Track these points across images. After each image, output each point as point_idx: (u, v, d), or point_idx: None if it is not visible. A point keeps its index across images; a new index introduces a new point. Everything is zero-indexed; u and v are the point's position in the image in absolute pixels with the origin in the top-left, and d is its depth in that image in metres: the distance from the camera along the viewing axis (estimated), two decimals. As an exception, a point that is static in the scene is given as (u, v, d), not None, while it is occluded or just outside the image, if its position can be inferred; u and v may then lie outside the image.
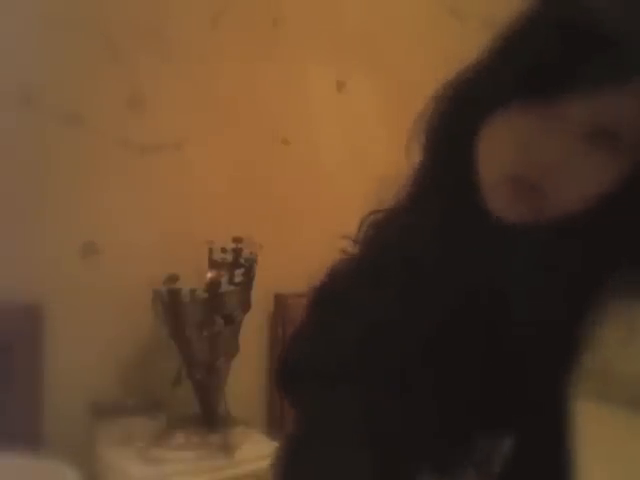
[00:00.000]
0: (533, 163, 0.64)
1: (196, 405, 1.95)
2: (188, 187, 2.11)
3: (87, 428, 1.98)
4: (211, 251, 1.95)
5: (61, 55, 1.97)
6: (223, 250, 1.95)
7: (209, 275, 1.89)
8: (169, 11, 2.09)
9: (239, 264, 1.95)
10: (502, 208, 0.67)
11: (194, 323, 1.87)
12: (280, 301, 2.23)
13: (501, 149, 0.67)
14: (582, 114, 0.62)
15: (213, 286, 1.88)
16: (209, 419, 1.95)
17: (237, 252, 1.96)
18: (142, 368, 2.07)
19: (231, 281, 1.92)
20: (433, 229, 0.75)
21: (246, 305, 1.95)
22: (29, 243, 1.94)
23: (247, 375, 2.17)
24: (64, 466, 1.69)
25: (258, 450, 1.87)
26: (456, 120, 0.72)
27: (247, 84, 2.19)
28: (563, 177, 0.64)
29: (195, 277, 1.89)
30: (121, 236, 2.04)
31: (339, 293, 0.85)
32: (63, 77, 1.97)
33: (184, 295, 1.87)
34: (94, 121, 2.00)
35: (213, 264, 1.94)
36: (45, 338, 1.93)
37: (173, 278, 1.89)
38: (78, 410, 1.99)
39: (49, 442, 1.90)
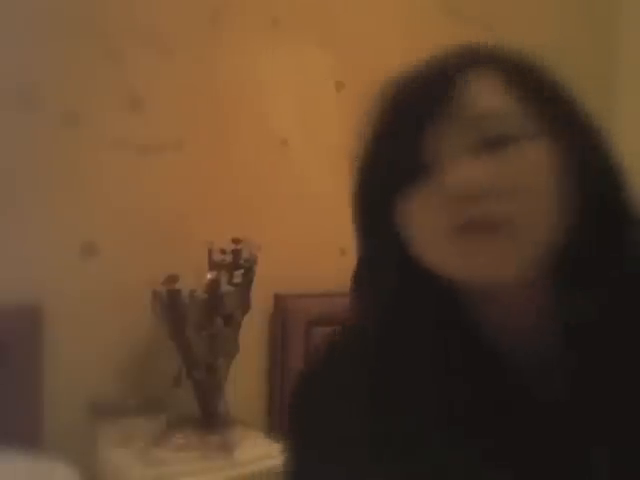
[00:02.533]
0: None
1: (196, 405, 1.95)
2: (187, 187, 2.11)
3: (87, 428, 1.98)
4: (211, 252, 1.96)
5: (60, 55, 1.97)
6: (222, 251, 1.95)
7: (209, 276, 1.89)
8: (168, 11, 2.09)
9: (239, 265, 1.95)
10: (470, 260, 0.67)
11: (194, 324, 1.88)
12: (280, 301, 2.24)
13: (426, 214, 0.68)
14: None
15: (213, 287, 1.88)
16: (209, 419, 1.95)
17: (237, 253, 1.96)
18: (142, 368, 2.07)
19: (231, 282, 1.92)
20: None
21: (246, 306, 1.95)
22: (29, 243, 1.94)
23: (247, 375, 2.17)
24: (64, 466, 1.69)
25: (258, 450, 1.87)
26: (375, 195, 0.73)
27: (246, 84, 2.20)
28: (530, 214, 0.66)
29: (195, 278, 1.89)
30: (120, 236, 2.04)
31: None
32: (62, 77, 1.97)
33: (184, 296, 1.87)
34: (93, 121, 2.00)
35: (213, 265, 1.94)
36: (45, 338, 1.93)
37: (173, 279, 1.89)
38: (78, 410, 1.99)
39: (49, 442, 1.90)
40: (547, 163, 0.67)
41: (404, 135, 0.70)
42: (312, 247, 2.28)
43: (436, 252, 0.69)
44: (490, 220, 0.65)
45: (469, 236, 0.66)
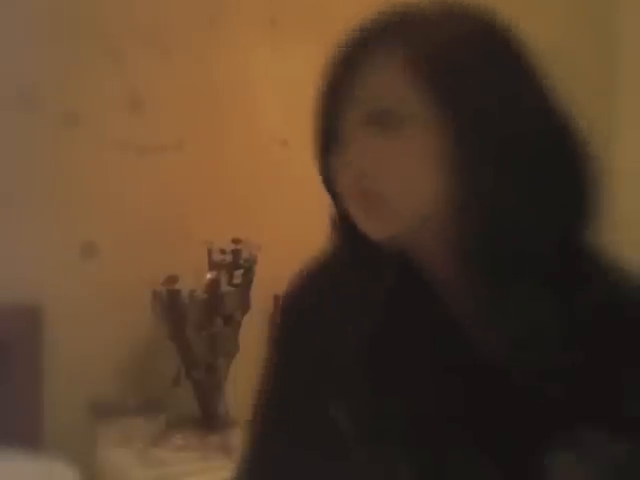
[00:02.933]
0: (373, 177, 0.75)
1: (196, 405, 1.96)
2: (187, 188, 2.11)
3: (87, 428, 1.98)
4: (210, 252, 1.96)
5: (60, 55, 1.97)
6: (222, 251, 1.96)
7: (208, 276, 1.89)
8: (168, 11, 2.09)
9: (238, 265, 1.95)
10: (361, 222, 0.78)
11: (193, 324, 1.88)
12: (279, 302, 2.23)
13: (339, 178, 0.78)
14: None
15: (213, 287, 1.88)
16: (208, 420, 1.95)
17: (236, 253, 1.96)
18: (141, 368, 2.07)
19: (230, 282, 1.92)
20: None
21: (245, 306, 1.95)
22: (29, 243, 1.95)
23: (247, 375, 2.17)
24: (64, 466, 1.69)
25: (257, 450, 1.87)
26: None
27: (246, 84, 2.20)
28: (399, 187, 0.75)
29: (194, 278, 1.89)
30: (120, 236, 2.04)
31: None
32: (62, 77, 1.97)
33: (184, 296, 1.88)
34: (93, 121, 2.00)
35: (212, 265, 1.94)
36: (45, 338, 1.94)
37: (172, 279, 1.89)
38: (78, 410, 1.99)
39: (49, 442, 1.90)
40: (424, 146, 0.73)
41: (321, 109, 0.79)
42: (312, 247, 2.28)
43: (348, 205, 0.79)
44: (367, 193, 0.75)
45: (357, 202, 0.77)
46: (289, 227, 2.26)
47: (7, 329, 1.86)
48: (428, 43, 0.74)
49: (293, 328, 0.94)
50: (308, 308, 0.92)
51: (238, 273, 1.94)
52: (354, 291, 0.83)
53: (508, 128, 0.72)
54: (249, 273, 1.96)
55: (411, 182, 0.74)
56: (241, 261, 1.96)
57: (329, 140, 0.79)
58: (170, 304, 1.88)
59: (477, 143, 0.72)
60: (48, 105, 1.96)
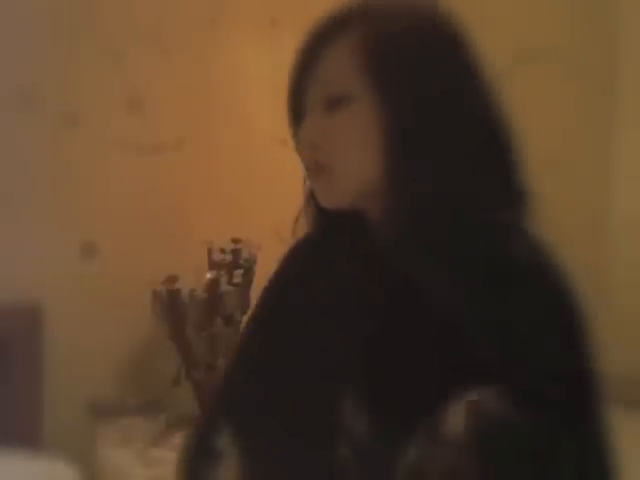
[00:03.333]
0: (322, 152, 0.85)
1: (195, 405, 1.96)
2: (187, 188, 2.11)
3: (86, 428, 1.98)
4: (210, 252, 1.96)
5: (60, 55, 1.97)
6: (222, 251, 1.96)
7: (208, 275, 1.90)
8: (168, 11, 2.09)
9: (238, 265, 1.96)
10: (315, 192, 0.91)
11: (193, 323, 1.88)
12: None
13: (299, 152, 0.89)
14: None
15: (212, 286, 1.88)
16: (208, 419, 1.95)
17: (236, 253, 1.96)
18: (141, 368, 2.07)
19: (230, 282, 1.92)
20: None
21: (245, 305, 1.95)
22: (29, 243, 1.95)
23: (246, 375, 2.17)
24: (64, 466, 1.69)
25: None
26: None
27: (246, 84, 2.20)
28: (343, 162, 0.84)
29: (194, 277, 1.89)
30: (120, 236, 2.04)
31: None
32: (62, 77, 1.97)
33: (184, 295, 1.88)
34: (93, 121, 2.00)
35: (212, 265, 1.94)
36: (44, 338, 1.94)
37: (172, 278, 1.89)
38: (77, 410, 1.99)
39: (49, 442, 1.90)
40: (364, 124, 0.82)
41: (290, 89, 0.89)
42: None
43: (307, 178, 0.91)
44: (318, 165, 0.85)
45: (310, 176, 0.89)
46: (289, 227, 2.26)
47: (7, 329, 1.87)
48: (375, 33, 0.83)
49: (281, 282, 1.05)
50: (293, 268, 1.05)
51: (238, 273, 1.94)
52: (325, 253, 0.97)
53: (442, 115, 0.82)
54: (249, 273, 1.96)
55: (355, 156, 0.84)
56: (241, 261, 1.96)
57: (298, 118, 0.89)
58: (170, 304, 1.88)
59: (410, 126, 0.81)
60: (48, 105, 1.96)
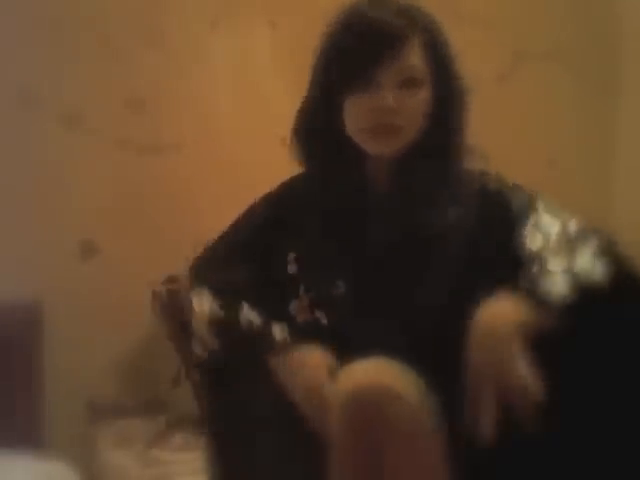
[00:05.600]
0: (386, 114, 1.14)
1: (195, 406, 1.95)
2: (187, 188, 2.11)
3: (86, 428, 1.98)
4: (211, 251, 1.95)
5: (61, 55, 1.97)
6: (222, 250, 1.95)
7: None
8: (169, 12, 2.09)
9: (238, 265, 1.95)
10: (373, 146, 1.17)
11: (193, 323, 1.87)
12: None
13: (358, 113, 1.16)
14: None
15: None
16: (208, 419, 1.95)
17: (236, 253, 1.96)
18: (141, 368, 2.07)
19: (230, 282, 1.92)
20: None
21: (245, 305, 1.95)
22: (28, 243, 1.95)
23: (246, 375, 2.17)
24: (63, 466, 1.69)
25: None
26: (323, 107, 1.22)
27: (246, 84, 2.20)
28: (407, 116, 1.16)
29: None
30: (120, 237, 2.04)
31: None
32: (63, 77, 1.98)
33: (183, 295, 1.87)
34: (94, 121, 2.00)
35: (213, 264, 1.94)
36: (44, 338, 1.94)
37: (172, 278, 1.89)
38: (77, 410, 1.99)
39: (48, 442, 1.90)
40: (426, 99, 1.16)
41: (358, 65, 1.13)
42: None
43: (360, 137, 1.17)
44: (391, 126, 1.14)
45: (378, 133, 1.15)
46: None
47: (7, 328, 1.86)
48: (432, 40, 1.19)
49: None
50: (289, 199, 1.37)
51: (238, 273, 1.94)
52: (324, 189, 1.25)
53: (457, 96, 1.21)
54: (249, 273, 1.96)
55: (419, 121, 1.16)
56: (241, 261, 1.96)
57: (352, 86, 1.14)
58: (170, 304, 1.88)
59: (441, 97, 1.19)
60: (48, 105, 1.96)
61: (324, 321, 1.18)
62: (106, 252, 2.03)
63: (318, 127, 1.23)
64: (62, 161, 1.98)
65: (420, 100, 1.16)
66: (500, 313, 1.02)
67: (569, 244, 1.12)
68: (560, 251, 1.10)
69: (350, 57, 1.16)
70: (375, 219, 1.20)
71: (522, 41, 2.40)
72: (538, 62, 2.39)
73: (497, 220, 1.17)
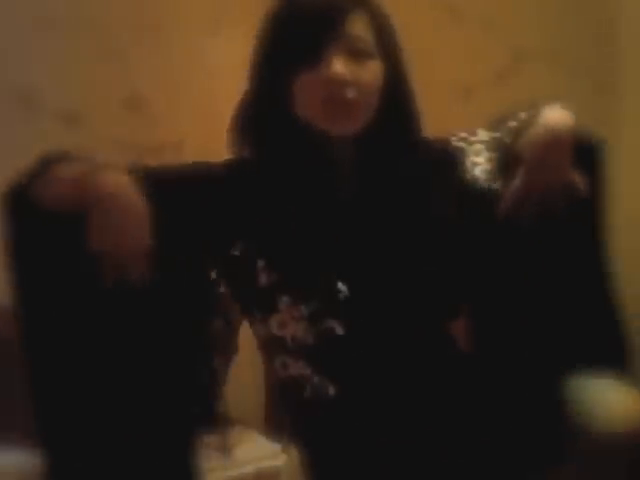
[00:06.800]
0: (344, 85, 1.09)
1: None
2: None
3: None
4: (210, 251, 1.95)
5: (60, 55, 1.97)
6: (222, 250, 1.95)
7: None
8: (168, 11, 2.09)
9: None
10: (331, 123, 1.11)
11: (193, 323, 1.87)
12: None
13: (310, 89, 1.10)
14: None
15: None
16: (207, 419, 1.95)
17: (236, 252, 1.96)
18: (141, 368, 2.07)
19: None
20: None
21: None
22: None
23: (246, 375, 2.17)
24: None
25: (256, 450, 1.87)
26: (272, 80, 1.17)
27: (245, 84, 2.19)
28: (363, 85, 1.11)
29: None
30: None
31: None
32: (62, 77, 1.98)
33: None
34: (93, 121, 2.00)
35: (212, 264, 1.94)
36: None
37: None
38: (77, 410, 1.99)
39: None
40: (378, 73, 1.12)
41: (304, 39, 1.10)
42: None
43: (316, 116, 1.11)
44: (346, 100, 1.09)
45: (334, 108, 1.09)
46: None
47: (7, 328, 1.86)
48: (377, 15, 1.16)
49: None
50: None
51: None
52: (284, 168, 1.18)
53: (404, 69, 1.19)
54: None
55: (375, 95, 1.12)
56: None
57: (300, 61, 1.10)
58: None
59: (397, 77, 1.17)
60: (48, 104, 1.96)
61: (339, 332, 1.09)
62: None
63: (270, 112, 1.18)
64: (62, 161, 1.98)
65: (372, 72, 1.12)
66: (562, 115, 1.18)
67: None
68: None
69: (295, 31, 1.11)
70: (348, 209, 1.16)
71: (521, 41, 2.40)
72: (537, 62, 2.39)
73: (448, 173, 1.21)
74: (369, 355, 1.10)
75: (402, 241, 1.14)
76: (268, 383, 2.26)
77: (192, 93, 2.12)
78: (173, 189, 1.17)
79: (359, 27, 1.12)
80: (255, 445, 1.92)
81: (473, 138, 1.25)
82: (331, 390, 1.11)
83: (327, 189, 1.17)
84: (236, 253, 1.14)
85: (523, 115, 1.22)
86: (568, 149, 1.15)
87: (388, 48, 1.16)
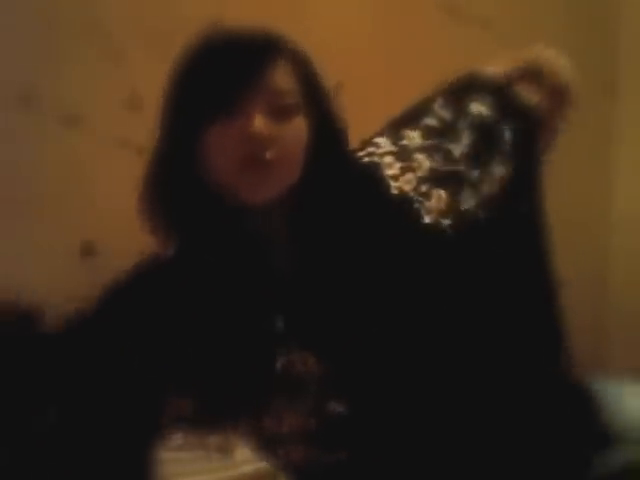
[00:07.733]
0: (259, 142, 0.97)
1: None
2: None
3: (86, 428, 1.98)
4: (210, 251, 1.95)
5: (60, 55, 1.97)
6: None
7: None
8: (168, 12, 2.09)
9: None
10: (246, 187, 1.01)
11: (193, 324, 1.87)
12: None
13: (223, 145, 0.99)
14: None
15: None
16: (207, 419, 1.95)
17: (236, 253, 1.95)
18: (141, 368, 2.07)
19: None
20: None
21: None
22: (27, 244, 1.95)
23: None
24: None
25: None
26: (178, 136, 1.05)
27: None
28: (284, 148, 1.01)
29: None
30: (120, 237, 2.04)
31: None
32: (62, 77, 1.98)
33: (183, 295, 1.87)
34: (93, 121, 2.00)
35: (212, 264, 1.93)
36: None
37: (172, 278, 1.88)
38: (77, 410, 1.99)
39: (48, 442, 1.90)
40: (303, 129, 1.02)
41: (220, 87, 0.99)
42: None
43: (227, 176, 1.00)
44: (266, 161, 0.98)
45: (251, 166, 0.98)
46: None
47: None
48: (301, 62, 1.07)
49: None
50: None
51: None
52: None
53: (333, 120, 1.10)
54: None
55: (299, 156, 1.03)
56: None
57: (214, 113, 1.00)
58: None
59: (320, 126, 1.05)
60: (48, 105, 1.96)
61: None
62: (106, 252, 2.03)
63: (180, 180, 1.05)
64: (62, 161, 1.98)
65: (296, 130, 1.02)
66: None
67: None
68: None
69: (209, 76, 1.01)
70: (294, 286, 1.05)
71: (522, 41, 2.40)
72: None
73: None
74: (368, 431, 1.06)
75: (366, 300, 1.04)
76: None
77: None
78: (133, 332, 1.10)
79: (282, 78, 1.03)
80: (255, 445, 1.92)
81: (379, 150, 1.17)
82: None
83: (261, 269, 1.06)
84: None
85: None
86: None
87: (314, 98, 1.06)
